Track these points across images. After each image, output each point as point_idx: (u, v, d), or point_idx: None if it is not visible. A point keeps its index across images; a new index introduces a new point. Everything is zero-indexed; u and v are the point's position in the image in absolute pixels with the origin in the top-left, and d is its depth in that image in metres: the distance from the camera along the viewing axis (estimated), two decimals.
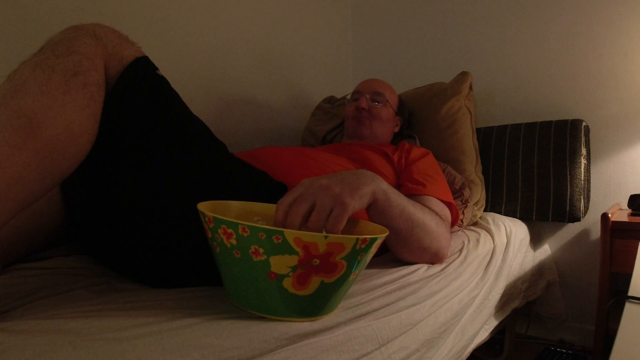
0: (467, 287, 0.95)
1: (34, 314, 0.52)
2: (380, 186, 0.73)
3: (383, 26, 2.12)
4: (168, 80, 0.69)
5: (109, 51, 0.62)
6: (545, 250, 1.57)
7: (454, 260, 0.98)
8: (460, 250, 1.05)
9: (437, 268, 0.90)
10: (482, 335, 1.06)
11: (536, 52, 1.68)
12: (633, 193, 1.40)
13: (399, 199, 0.78)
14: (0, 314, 0.53)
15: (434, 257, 0.90)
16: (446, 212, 1.00)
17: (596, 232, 1.55)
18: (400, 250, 0.88)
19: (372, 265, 0.86)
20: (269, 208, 0.70)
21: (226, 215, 0.58)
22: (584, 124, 1.48)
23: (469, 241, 1.13)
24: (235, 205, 0.67)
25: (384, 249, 0.97)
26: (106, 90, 0.61)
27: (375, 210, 0.75)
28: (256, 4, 1.68)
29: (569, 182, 1.43)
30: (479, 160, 1.50)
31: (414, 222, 0.81)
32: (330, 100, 1.79)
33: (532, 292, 1.41)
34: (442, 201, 1.00)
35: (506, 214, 1.51)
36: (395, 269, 0.84)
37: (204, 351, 0.47)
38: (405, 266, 0.87)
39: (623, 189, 1.52)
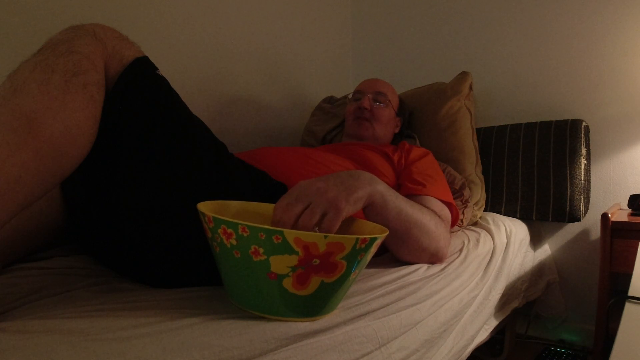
0: (467, 287, 0.95)
1: (34, 314, 0.52)
2: (377, 188, 0.73)
3: (383, 26, 2.12)
4: (168, 80, 0.69)
5: (108, 51, 0.62)
6: (545, 250, 1.57)
7: (454, 260, 0.98)
8: (460, 250, 1.05)
9: (437, 268, 0.90)
10: (482, 335, 1.05)
11: (536, 52, 1.68)
12: (633, 193, 1.40)
13: (396, 201, 0.78)
14: (0, 314, 0.53)
15: (433, 257, 0.90)
16: (446, 212, 1.00)
17: (596, 232, 1.55)
18: (398, 251, 0.88)
19: (372, 265, 0.86)
20: (268, 208, 0.70)
21: (226, 215, 0.57)
22: (584, 124, 1.48)
23: (469, 241, 1.13)
24: (234, 205, 0.67)
25: (384, 248, 0.97)
26: (106, 91, 0.61)
27: (371, 212, 0.76)
28: (256, 4, 1.68)
29: (569, 182, 1.43)
30: (479, 160, 1.50)
31: (412, 222, 0.81)
32: (330, 100, 1.79)
33: (532, 292, 1.41)
34: (442, 201, 1.00)
35: (506, 214, 1.51)
36: (395, 269, 0.84)
37: (204, 351, 0.47)
38: (405, 266, 0.87)
39: (623, 189, 1.52)
